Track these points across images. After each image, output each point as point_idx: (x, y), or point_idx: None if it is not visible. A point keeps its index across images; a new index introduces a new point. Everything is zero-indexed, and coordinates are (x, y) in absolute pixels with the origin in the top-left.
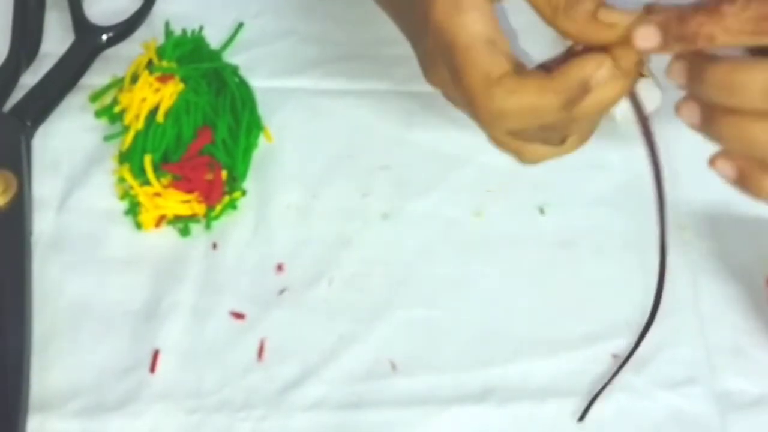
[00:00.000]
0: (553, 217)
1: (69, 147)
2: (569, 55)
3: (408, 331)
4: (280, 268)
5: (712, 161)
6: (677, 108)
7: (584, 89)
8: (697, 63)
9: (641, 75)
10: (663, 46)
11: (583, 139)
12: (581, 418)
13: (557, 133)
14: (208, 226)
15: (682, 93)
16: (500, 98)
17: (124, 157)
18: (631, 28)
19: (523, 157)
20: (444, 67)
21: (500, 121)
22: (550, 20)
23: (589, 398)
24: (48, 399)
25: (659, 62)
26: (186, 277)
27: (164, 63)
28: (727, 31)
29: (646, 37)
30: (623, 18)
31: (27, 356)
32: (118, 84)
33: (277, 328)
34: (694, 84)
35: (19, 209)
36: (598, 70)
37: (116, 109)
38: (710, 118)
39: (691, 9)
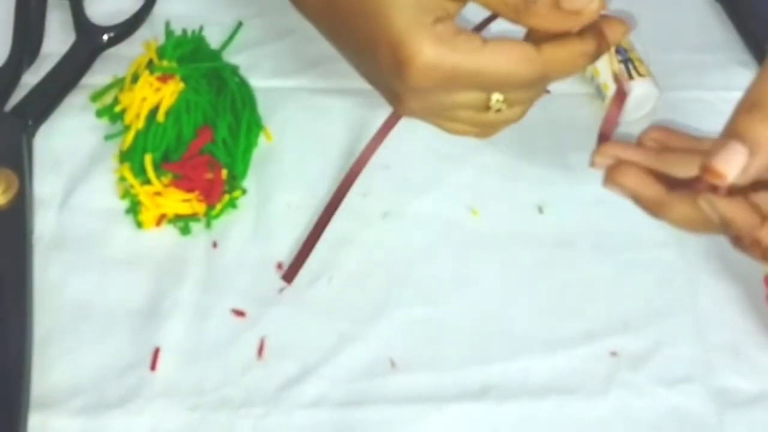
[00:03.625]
0: (552, 216)
1: (70, 146)
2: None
3: (407, 329)
4: (280, 266)
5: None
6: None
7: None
8: None
9: (640, 75)
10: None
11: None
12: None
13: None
14: (208, 225)
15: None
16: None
17: (124, 157)
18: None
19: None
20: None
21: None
22: (515, 21)
23: (589, 395)
24: (49, 397)
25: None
26: (186, 276)
27: (165, 63)
28: None
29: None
30: (586, 3)
31: (28, 354)
32: (118, 84)
33: (277, 326)
34: None
35: (21, 208)
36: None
37: (117, 109)
38: None
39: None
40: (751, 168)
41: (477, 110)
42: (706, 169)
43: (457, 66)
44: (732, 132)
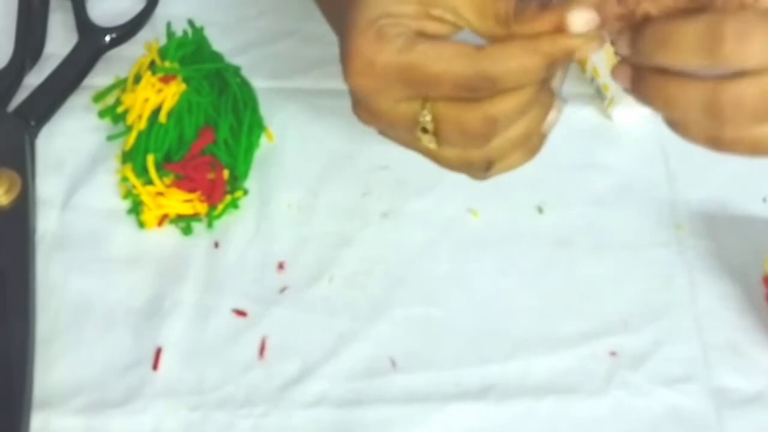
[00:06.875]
0: (552, 215)
1: (72, 147)
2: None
3: (407, 328)
4: (281, 266)
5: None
6: (612, 72)
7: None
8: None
9: None
10: (601, 26)
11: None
12: None
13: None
14: (210, 225)
15: None
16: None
17: (126, 157)
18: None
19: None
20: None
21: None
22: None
23: (588, 395)
24: (51, 396)
25: None
26: (188, 276)
27: (167, 64)
28: (662, 10)
29: (583, 21)
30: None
31: (30, 353)
32: (121, 84)
33: (278, 325)
34: (632, 47)
35: (23, 208)
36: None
37: (119, 110)
38: (639, 79)
39: None
40: None
41: (411, 128)
42: None
43: (389, 62)
44: None
